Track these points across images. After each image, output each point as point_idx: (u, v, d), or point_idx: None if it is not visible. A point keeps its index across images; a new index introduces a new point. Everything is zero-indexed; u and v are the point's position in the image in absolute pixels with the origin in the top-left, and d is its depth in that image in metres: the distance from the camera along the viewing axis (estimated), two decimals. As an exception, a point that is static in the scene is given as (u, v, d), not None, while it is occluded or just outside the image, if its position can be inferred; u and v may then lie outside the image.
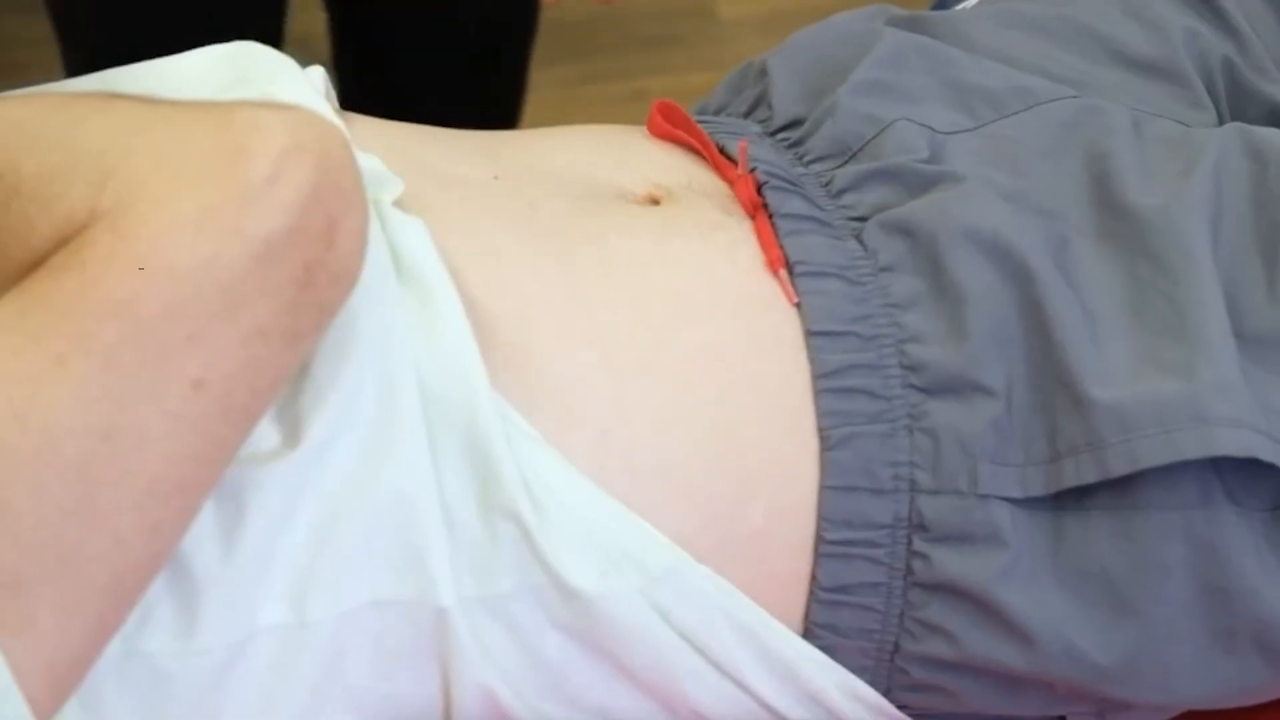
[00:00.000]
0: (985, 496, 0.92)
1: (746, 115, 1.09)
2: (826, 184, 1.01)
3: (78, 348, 0.77)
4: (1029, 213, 0.98)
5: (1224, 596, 0.92)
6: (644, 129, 1.06)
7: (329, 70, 0.99)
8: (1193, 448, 0.90)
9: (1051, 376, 0.93)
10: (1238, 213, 0.98)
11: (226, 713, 0.85)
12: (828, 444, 0.92)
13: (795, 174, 1.01)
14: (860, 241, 0.97)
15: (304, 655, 0.86)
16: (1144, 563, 0.92)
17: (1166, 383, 0.91)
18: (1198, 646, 0.93)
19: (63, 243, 0.79)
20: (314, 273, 0.80)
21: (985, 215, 0.96)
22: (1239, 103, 1.12)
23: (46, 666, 0.77)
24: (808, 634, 0.94)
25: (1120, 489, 0.91)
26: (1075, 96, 1.06)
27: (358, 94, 1.58)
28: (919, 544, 0.92)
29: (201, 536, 0.83)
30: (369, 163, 0.89)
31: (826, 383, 0.93)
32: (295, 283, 0.80)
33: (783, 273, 0.95)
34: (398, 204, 0.91)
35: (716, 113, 1.12)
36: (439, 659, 0.89)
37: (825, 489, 0.92)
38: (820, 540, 0.93)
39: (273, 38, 1.52)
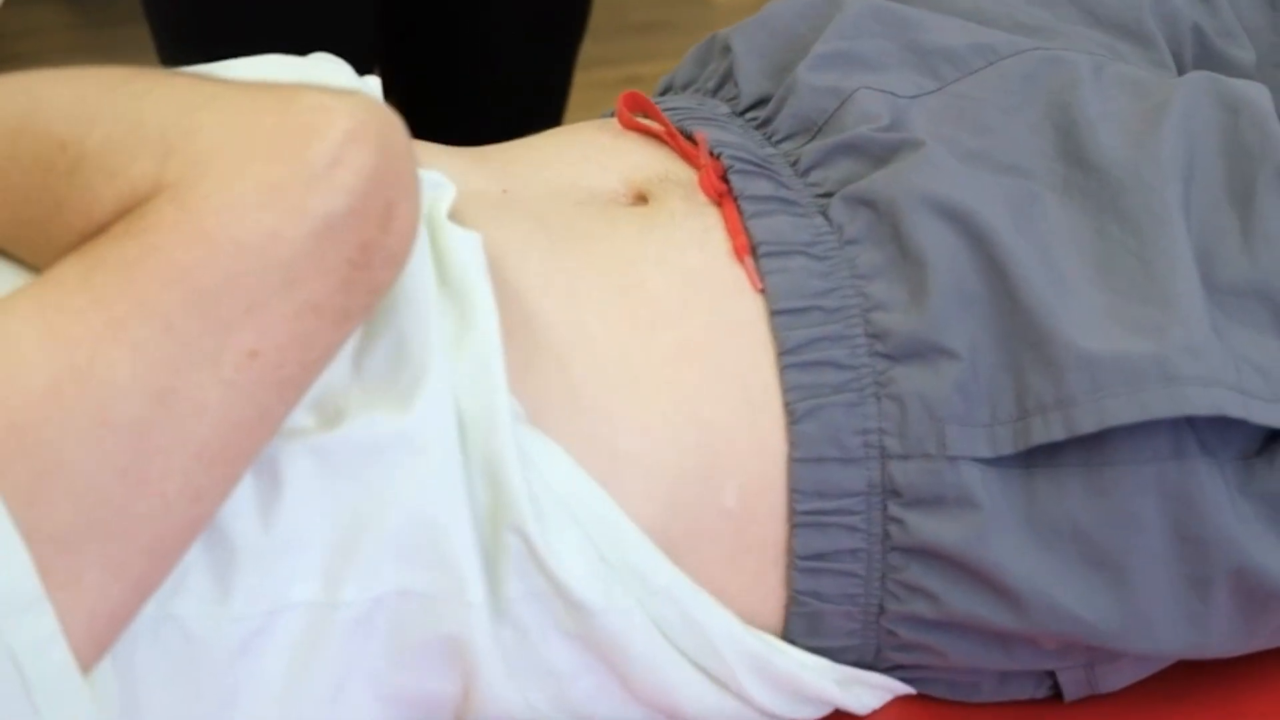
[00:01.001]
0: (954, 458, 0.93)
1: (715, 93, 1.10)
2: (794, 162, 1.02)
3: (139, 312, 0.78)
4: (990, 171, 0.99)
5: (1200, 546, 0.93)
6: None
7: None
8: (1161, 406, 0.91)
9: (1018, 335, 0.93)
10: (1209, 164, 0.99)
11: (253, 682, 0.86)
12: (793, 418, 0.94)
13: (763, 154, 1.02)
14: (826, 217, 0.98)
15: (331, 635, 0.87)
16: (1118, 517, 0.93)
17: (1136, 342, 0.92)
18: (1177, 597, 0.94)
19: (124, 214, 0.81)
20: (369, 254, 0.82)
21: (942, 180, 0.97)
22: (1206, 68, 1.12)
23: (89, 620, 0.79)
24: (791, 602, 0.95)
25: (1091, 445, 0.92)
26: (1037, 48, 1.06)
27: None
28: (894, 509, 0.94)
29: (240, 506, 0.85)
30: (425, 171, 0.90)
31: (791, 359, 0.95)
32: (350, 263, 0.82)
33: (748, 259, 0.97)
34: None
35: (684, 87, 1.13)
36: (460, 658, 0.90)
37: (794, 462, 0.94)
38: (793, 512, 0.94)
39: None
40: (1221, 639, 0.97)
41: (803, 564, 0.95)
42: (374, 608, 0.88)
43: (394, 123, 0.83)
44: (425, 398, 0.87)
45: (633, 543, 0.92)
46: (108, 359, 0.78)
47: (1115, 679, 1.01)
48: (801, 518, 0.94)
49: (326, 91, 0.82)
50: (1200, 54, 1.14)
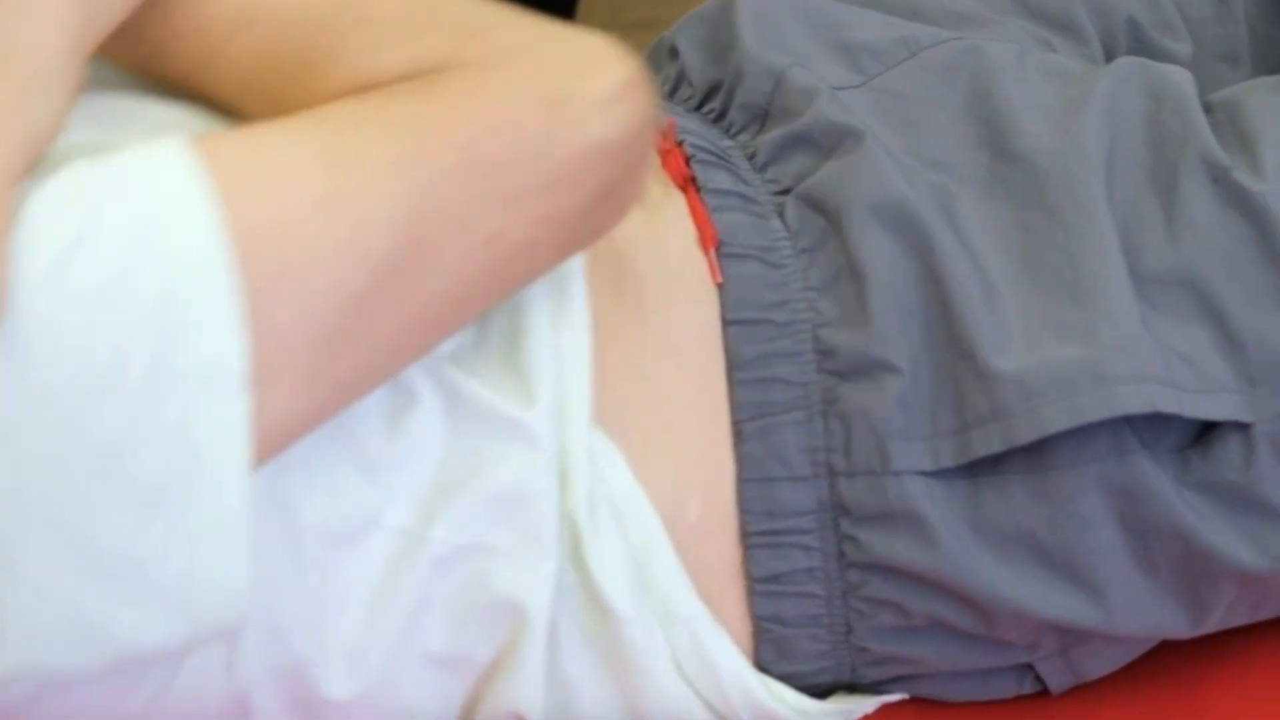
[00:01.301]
0: (898, 473, 0.94)
1: (670, 96, 1.11)
2: (750, 156, 1.03)
3: (416, 160, 0.81)
4: (920, 169, 0.99)
5: (1150, 537, 0.94)
6: None
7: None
8: (1095, 409, 0.92)
9: (953, 347, 0.94)
10: (1133, 152, 0.99)
11: (342, 594, 0.88)
12: (741, 438, 0.95)
13: (722, 146, 1.03)
14: (783, 219, 0.99)
15: (412, 567, 0.89)
16: (1066, 519, 0.94)
17: (1066, 347, 0.93)
18: (1136, 587, 0.95)
19: (408, 77, 0.83)
20: (610, 194, 0.86)
21: (882, 185, 0.98)
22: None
23: (270, 423, 0.78)
24: (757, 631, 0.97)
25: (1031, 452, 0.93)
26: (959, 38, 1.07)
27: None
28: (845, 527, 0.95)
29: (375, 405, 0.87)
30: None
31: (742, 374, 0.96)
32: (595, 194, 0.85)
33: (712, 251, 0.98)
34: None
35: None
36: (511, 626, 0.91)
37: (743, 481, 0.95)
38: (745, 533, 0.95)
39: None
40: (1188, 620, 0.98)
41: (761, 587, 0.96)
42: (456, 554, 0.89)
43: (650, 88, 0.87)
44: (545, 397, 0.90)
45: (668, 567, 0.94)
46: (377, 192, 0.80)
47: (1094, 663, 1.02)
48: (754, 539, 0.96)
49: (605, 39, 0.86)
50: (1134, 47, 1.15)
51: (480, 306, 0.87)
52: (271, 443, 0.79)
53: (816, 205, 0.98)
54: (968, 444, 0.93)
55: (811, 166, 1.00)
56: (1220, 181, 0.97)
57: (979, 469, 0.94)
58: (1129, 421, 0.93)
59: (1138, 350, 0.93)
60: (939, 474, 0.94)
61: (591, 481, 0.91)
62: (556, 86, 0.83)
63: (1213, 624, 1.00)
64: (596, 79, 0.84)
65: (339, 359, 0.81)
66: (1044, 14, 1.13)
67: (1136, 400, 0.92)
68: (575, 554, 0.91)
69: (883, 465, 0.94)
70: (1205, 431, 0.95)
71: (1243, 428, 0.94)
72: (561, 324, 0.92)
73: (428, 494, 0.88)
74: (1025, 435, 0.92)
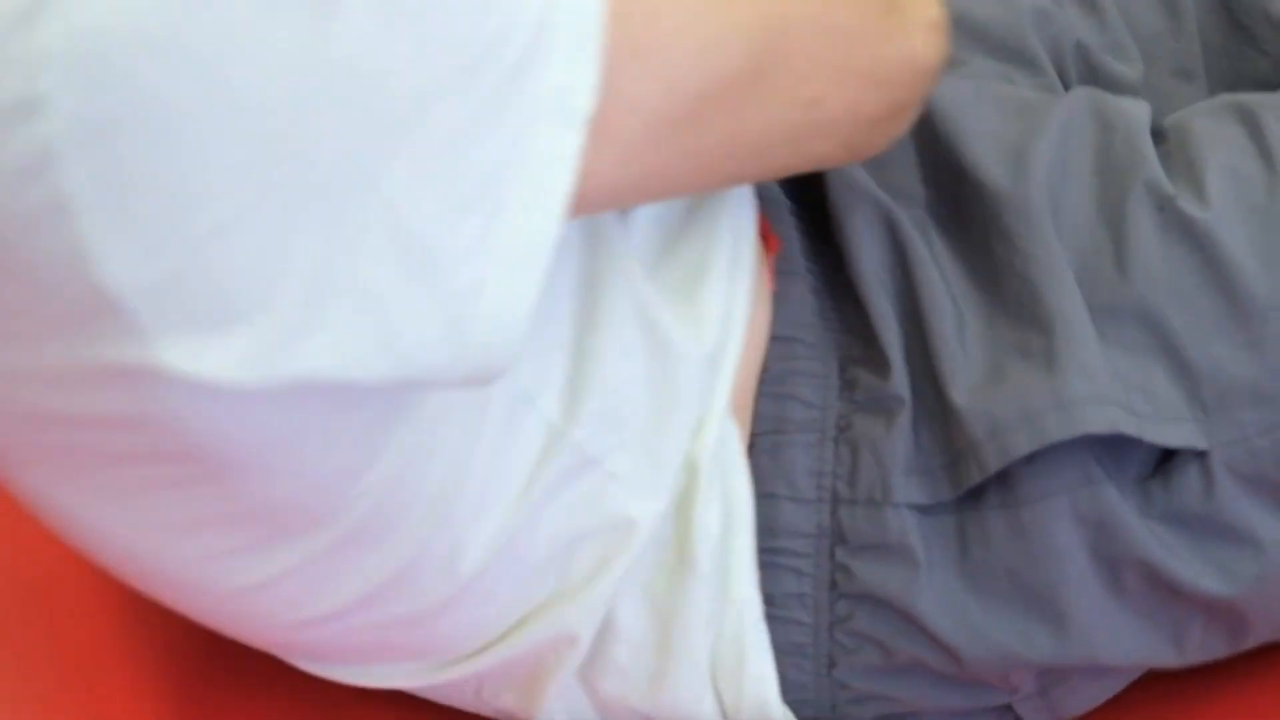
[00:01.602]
0: (897, 505, 0.95)
1: None
2: None
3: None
4: (902, 207, 1.01)
5: (1120, 567, 0.95)
6: None
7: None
8: (1058, 430, 0.93)
9: (931, 381, 0.96)
10: (1083, 182, 1.00)
11: (501, 468, 0.88)
12: (753, 450, 0.96)
13: None
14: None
15: (552, 463, 0.89)
16: (1042, 553, 0.95)
17: (1028, 374, 0.94)
18: (1113, 619, 0.96)
19: None
20: (893, 116, 0.90)
21: (877, 209, 1.00)
22: (1091, 84, 1.13)
23: (582, 178, 0.77)
24: None
25: (1005, 486, 0.95)
26: None
27: None
28: (840, 555, 0.96)
29: (563, 289, 0.88)
30: None
31: (766, 386, 0.97)
32: (889, 107, 0.89)
33: (772, 257, 0.99)
34: None
35: None
36: (604, 551, 0.92)
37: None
38: None
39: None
40: (1163, 646, 0.99)
41: None
42: (584, 466, 0.90)
43: None
44: (710, 342, 0.92)
45: (744, 543, 0.95)
46: (745, 10, 0.82)
47: (1075, 701, 1.02)
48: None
49: None
50: (1084, 71, 1.15)
51: (756, 169, 0.89)
52: (574, 201, 0.79)
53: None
54: (951, 479, 0.95)
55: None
56: (1165, 210, 0.97)
57: (963, 506, 0.95)
58: (1093, 451, 0.94)
59: (1097, 374, 0.94)
60: (931, 509, 0.95)
61: (720, 434, 0.93)
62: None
63: (1194, 652, 1.00)
64: (925, 5, 0.89)
65: (658, 149, 0.82)
66: (1002, 49, 1.13)
67: (1098, 421, 0.93)
68: (683, 501, 0.93)
69: (884, 495, 0.95)
70: (1165, 461, 0.96)
71: (1200, 456, 0.95)
72: (735, 275, 0.94)
73: (580, 392, 0.89)
74: (994, 463, 0.93)
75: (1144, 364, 0.96)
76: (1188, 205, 0.97)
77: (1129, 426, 0.93)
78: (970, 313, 0.97)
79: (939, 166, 1.03)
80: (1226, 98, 1.06)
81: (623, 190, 0.83)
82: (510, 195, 0.74)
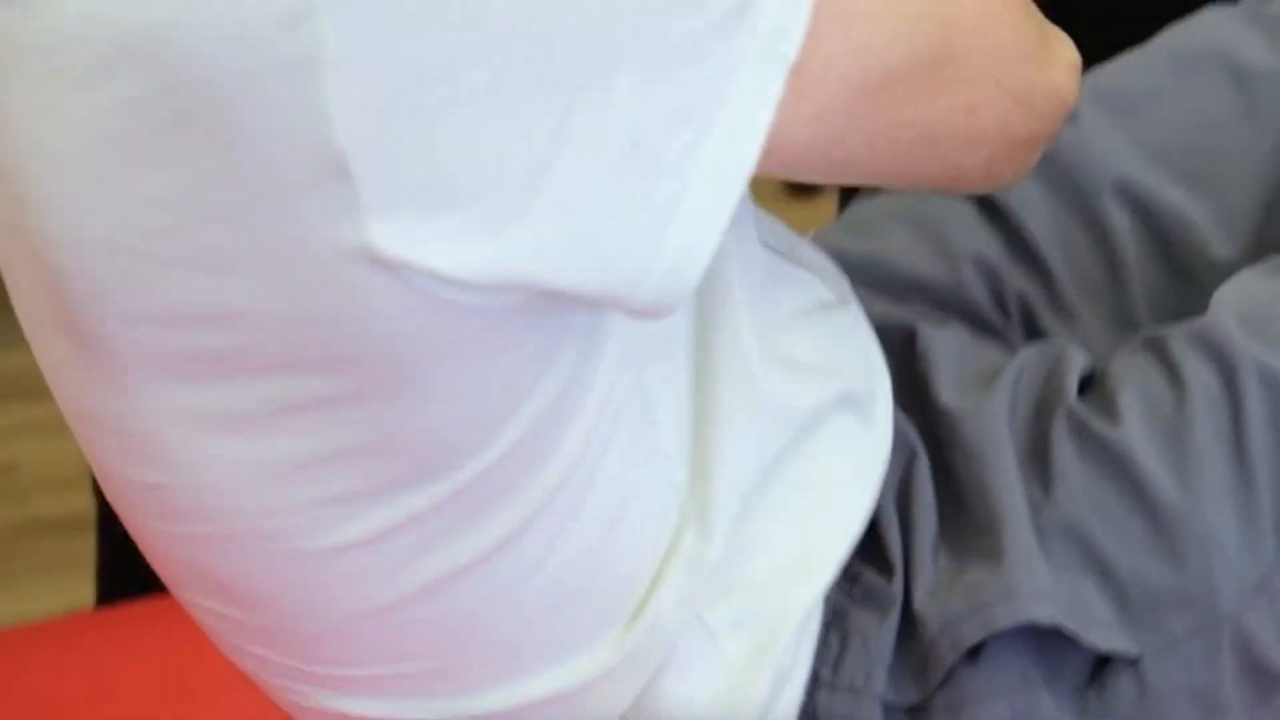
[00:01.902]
0: (873, 697, 0.97)
1: None
2: None
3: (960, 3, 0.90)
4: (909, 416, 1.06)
5: None
6: None
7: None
8: (1004, 618, 0.96)
9: (908, 590, 1.00)
10: (1025, 416, 1.05)
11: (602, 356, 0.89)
12: None
13: None
14: None
15: (626, 416, 0.91)
16: None
17: (978, 572, 0.98)
18: None
19: None
20: (1029, 144, 0.95)
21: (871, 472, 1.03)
22: (1033, 334, 1.19)
23: (774, 127, 0.82)
24: None
25: (950, 690, 0.97)
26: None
27: None
28: None
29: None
30: None
31: None
32: (1029, 134, 0.94)
33: None
34: None
35: None
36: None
37: None
38: None
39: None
40: None
41: None
42: (658, 403, 0.93)
43: None
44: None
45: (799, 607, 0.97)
46: (946, 5, 0.88)
47: None
48: None
49: None
50: (1026, 324, 1.21)
51: (913, 165, 0.93)
52: (765, 147, 0.82)
53: None
54: (919, 683, 0.98)
55: None
56: (1082, 433, 1.02)
57: (915, 714, 0.98)
58: (1032, 656, 0.97)
59: (1040, 573, 0.98)
60: (891, 710, 0.98)
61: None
62: (1046, 33, 0.94)
63: None
64: (1068, 48, 0.95)
65: (843, 117, 0.86)
66: (946, 303, 1.19)
67: (1042, 611, 0.96)
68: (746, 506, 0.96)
69: (865, 684, 0.98)
70: (1099, 669, 0.99)
71: (1133, 664, 0.98)
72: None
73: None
74: (949, 656, 0.97)
75: (1080, 580, 0.99)
76: (1100, 425, 1.02)
77: (1071, 622, 0.97)
78: (937, 527, 1.01)
79: (911, 397, 1.08)
80: (1142, 334, 1.12)
81: (802, 153, 0.86)
82: (719, 119, 0.79)
